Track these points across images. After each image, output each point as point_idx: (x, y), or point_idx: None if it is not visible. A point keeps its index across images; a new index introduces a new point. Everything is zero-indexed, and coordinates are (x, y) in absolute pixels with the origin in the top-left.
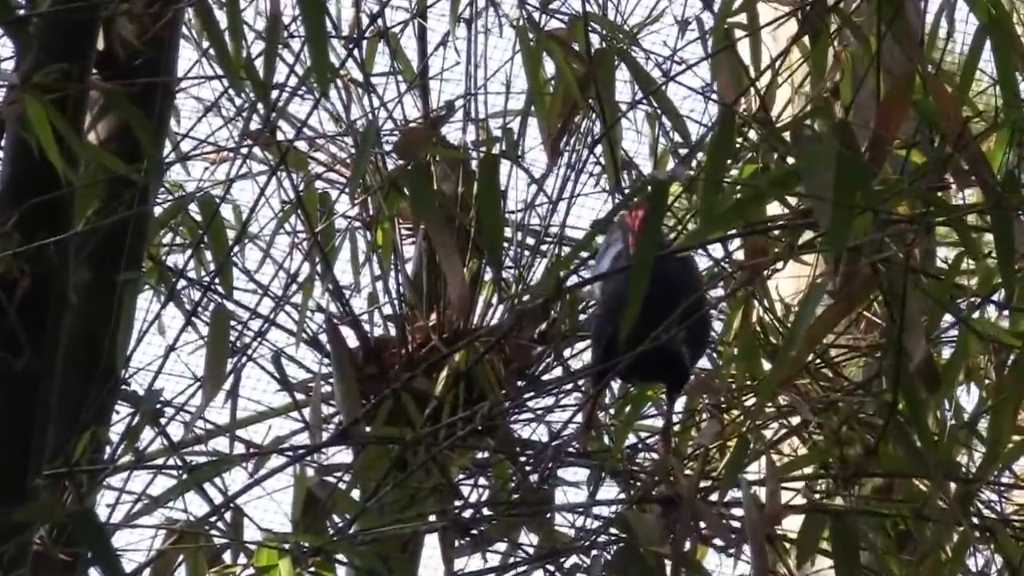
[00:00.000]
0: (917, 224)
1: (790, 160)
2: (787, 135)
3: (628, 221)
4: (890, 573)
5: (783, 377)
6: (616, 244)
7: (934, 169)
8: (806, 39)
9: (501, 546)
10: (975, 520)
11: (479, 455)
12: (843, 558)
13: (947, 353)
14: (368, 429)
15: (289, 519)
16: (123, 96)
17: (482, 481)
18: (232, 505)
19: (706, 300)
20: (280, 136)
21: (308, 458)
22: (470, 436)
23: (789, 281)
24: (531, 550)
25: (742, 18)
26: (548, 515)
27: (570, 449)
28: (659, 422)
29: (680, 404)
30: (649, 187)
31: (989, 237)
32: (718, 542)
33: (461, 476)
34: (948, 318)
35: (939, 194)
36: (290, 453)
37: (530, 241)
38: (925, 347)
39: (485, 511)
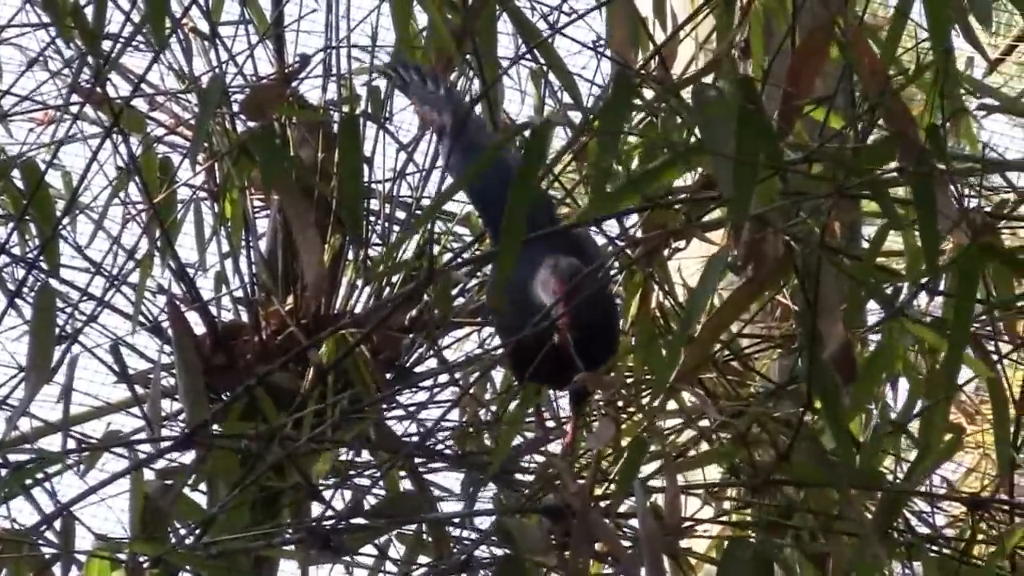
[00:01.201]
0: (831, 191)
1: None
2: (688, 95)
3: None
4: None
5: (685, 369)
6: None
7: (855, 131)
8: None
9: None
10: (901, 534)
11: (343, 456)
12: None
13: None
14: (217, 429)
15: (125, 527)
16: None
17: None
18: (63, 511)
19: (603, 279)
20: (114, 93)
21: (148, 459)
22: (335, 432)
23: (693, 263)
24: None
25: None
26: (420, 524)
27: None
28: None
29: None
30: (526, 132)
31: None
32: (614, 559)
33: (322, 480)
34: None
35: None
36: (127, 452)
37: (400, 215)
38: (842, 333)
39: (349, 519)
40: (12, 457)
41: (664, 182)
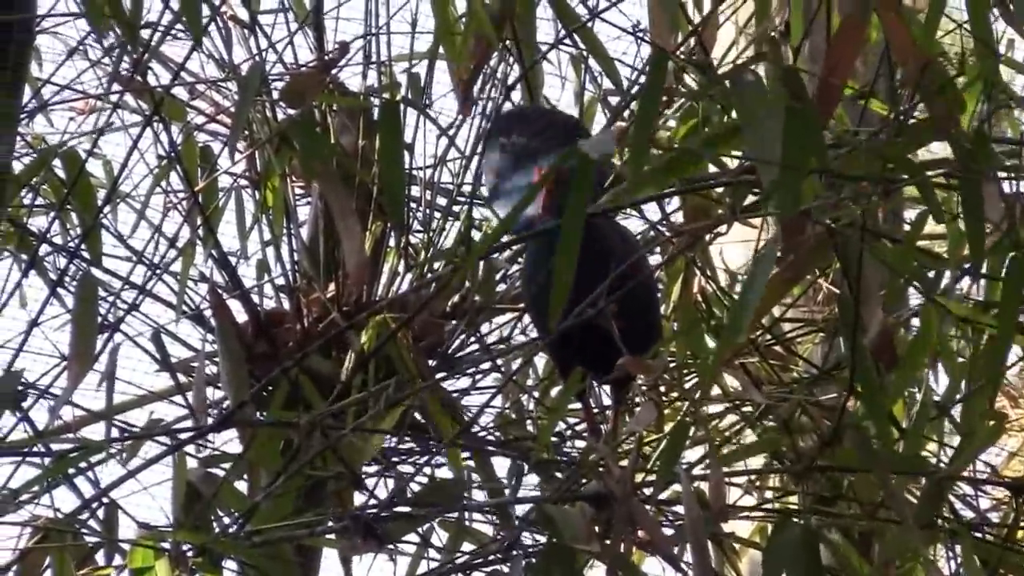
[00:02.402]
0: (875, 184)
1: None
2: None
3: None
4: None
5: (725, 354)
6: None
7: (897, 121)
8: None
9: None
10: (947, 519)
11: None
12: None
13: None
14: (260, 416)
15: (168, 515)
16: None
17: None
18: (105, 499)
19: (644, 267)
20: (154, 82)
21: (191, 446)
22: (378, 421)
23: (735, 247)
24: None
25: None
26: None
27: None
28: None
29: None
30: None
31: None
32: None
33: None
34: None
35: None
36: (169, 440)
37: (441, 201)
38: (883, 319)
39: (391, 508)
40: (55, 446)
41: (703, 166)
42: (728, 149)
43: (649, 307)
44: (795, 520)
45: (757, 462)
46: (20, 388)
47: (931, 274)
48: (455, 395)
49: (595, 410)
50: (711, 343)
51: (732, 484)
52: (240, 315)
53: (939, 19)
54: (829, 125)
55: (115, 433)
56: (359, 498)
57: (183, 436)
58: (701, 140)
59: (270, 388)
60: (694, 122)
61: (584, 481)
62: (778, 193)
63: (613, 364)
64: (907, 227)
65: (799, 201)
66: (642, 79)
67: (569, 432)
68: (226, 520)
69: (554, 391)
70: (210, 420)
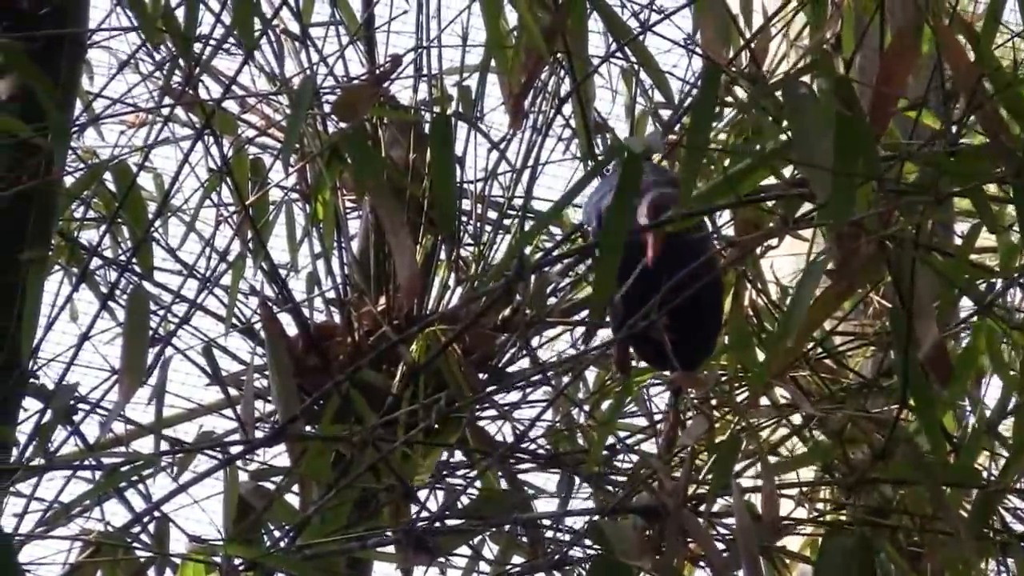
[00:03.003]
0: (927, 194)
1: (784, 124)
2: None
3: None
4: None
5: (779, 368)
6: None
7: (948, 130)
8: None
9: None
10: (998, 531)
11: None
12: None
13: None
14: (310, 431)
15: (219, 529)
16: (23, 50)
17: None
18: (156, 513)
19: (707, 279)
20: (206, 95)
21: (241, 460)
22: (430, 435)
23: (785, 260)
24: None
25: None
26: (515, 526)
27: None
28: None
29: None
30: (622, 155)
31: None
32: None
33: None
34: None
35: (954, 160)
36: (220, 454)
37: (491, 215)
38: (936, 333)
39: (443, 520)
40: (106, 460)
41: (756, 181)
42: (782, 162)
43: (706, 313)
44: (848, 531)
45: (808, 475)
46: (71, 402)
47: (983, 286)
48: (505, 409)
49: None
50: (762, 356)
51: (784, 496)
52: (290, 328)
53: (995, 31)
54: (881, 138)
55: (165, 447)
56: (411, 511)
57: (234, 451)
58: (757, 156)
59: (321, 401)
60: (745, 136)
61: (636, 494)
62: (830, 202)
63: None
64: (958, 240)
65: (849, 210)
66: (693, 92)
67: (621, 446)
68: (277, 534)
69: (605, 404)
70: (260, 434)
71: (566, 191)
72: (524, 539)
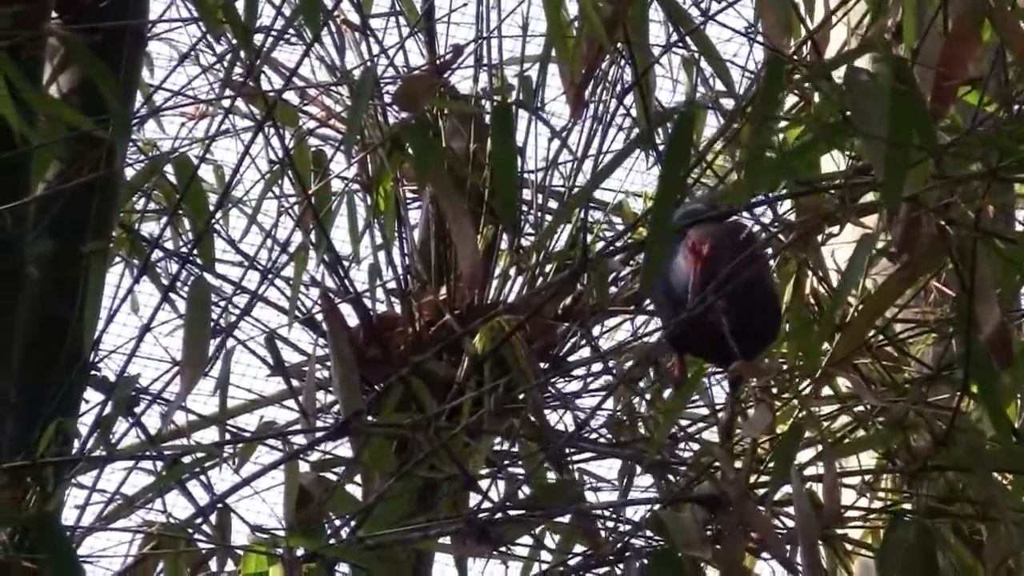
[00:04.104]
0: (986, 176)
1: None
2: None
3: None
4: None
5: (839, 355)
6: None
7: (1008, 112)
8: None
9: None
10: None
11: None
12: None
13: None
14: (372, 422)
15: (280, 520)
16: (84, 44)
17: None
18: (218, 505)
19: (759, 266)
20: (267, 87)
21: (302, 449)
22: (490, 422)
23: (848, 249)
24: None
25: None
26: (575, 516)
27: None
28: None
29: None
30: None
31: None
32: (767, 552)
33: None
34: None
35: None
36: (283, 447)
37: (552, 204)
38: (998, 316)
39: (504, 510)
40: (167, 452)
41: (815, 159)
42: (840, 140)
43: (765, 306)
44: (910, 520)
45: (869, 463)
46: (133, 394)
47: None
48: (567, 397)
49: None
50: (824, 345)
51: (845, 485)
52: (352, 319)
53: None
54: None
55: (227, 438)
56: (473, 500)
57: (298, 444)
58: (812, 124)
59: (383, 392)
60: (806, 116)
61: (697, 483)
62: (885, 179)
63: (730, 355)
64: (1020, 226)
65: (902, 185)
66: (755, 82)
67: (682, 434)
68: (338, 524)
69: (667, 392)
70: (321, 424)
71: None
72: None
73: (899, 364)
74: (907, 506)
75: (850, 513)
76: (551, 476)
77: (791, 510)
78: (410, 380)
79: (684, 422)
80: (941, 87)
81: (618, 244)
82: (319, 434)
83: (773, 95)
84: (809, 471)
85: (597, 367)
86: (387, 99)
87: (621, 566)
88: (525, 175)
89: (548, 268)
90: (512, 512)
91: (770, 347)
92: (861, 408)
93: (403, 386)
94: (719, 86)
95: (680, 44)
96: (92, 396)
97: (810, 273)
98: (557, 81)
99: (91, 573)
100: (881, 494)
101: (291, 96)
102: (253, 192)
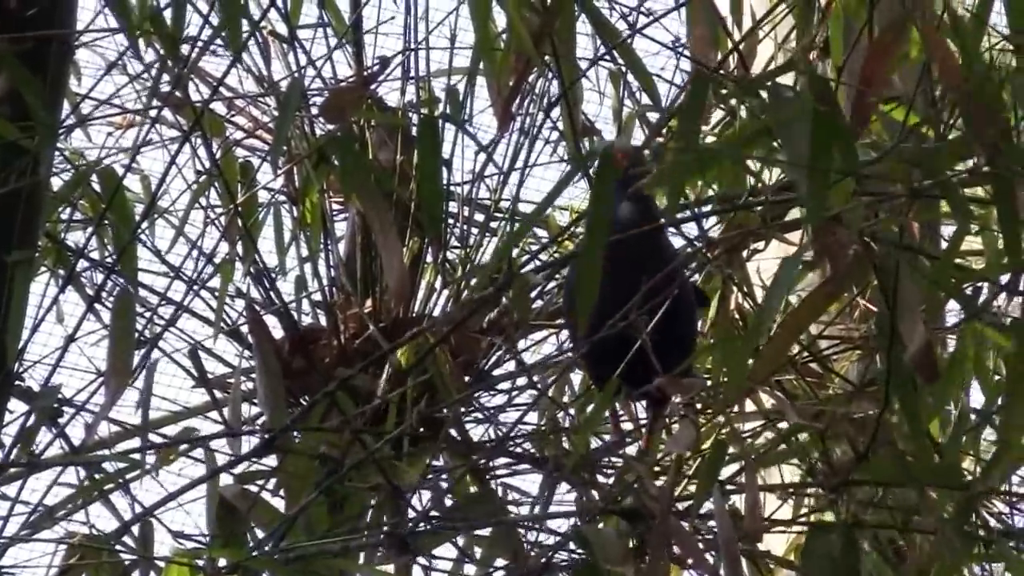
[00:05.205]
0: (909, 194)
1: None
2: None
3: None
4: None
5: (763, 371)
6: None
7: (935, 131)
8: None
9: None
10: (979, 535)
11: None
12: None
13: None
14: (297, 436)
15: (202, 531)
16: (10, 52)
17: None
18: (141, 517)
19: (681, 278)
20: (194, 97)
21: (229, 464)
22: (419, 440)
23: (772, 265)
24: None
25: None
26: (497, 528)
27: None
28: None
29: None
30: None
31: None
32: (691, 566)
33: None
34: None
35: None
36: (206, 459)
37: (478, 217)
38: (923, 333)
39: (427, 522)
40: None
41: (738, 174)
42: (759, 149)
43: (680, 320)
44: (833, 529)
45: (793, 478)
46: (57, 404)
47: (969, 290)
48: (491, 411)
49: (625, 422)
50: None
51: (766, 490)
52: (277, 331)
53: (982, 34)
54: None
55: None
56: (396, 512)
57: (220, 453)
58: (733, 137)
59: (309, 407)
60: (731, 131)
61: (620, 497)
62: (807, 197)
63: (647, 377)
64: (944, 244)
65: (824, 202)
66: (682, 95)
67: (604, 448)
68: (261, 536)
69: (589, 407)
70: (245, 438)
71: (551, 193)
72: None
73: (823, 381)
74: (829, 516)
75: (772, 523)
76: (473, 489)
77: (714, 524)
78: (335, 393)
79: (606, 437)
80: (861, 104)
81: (542, 257)
82: (245, 450)
83: (697, 111)
84: (733, 482)
85: (522, 381)
86: (314, 110)
87: None
88: (451, 188)
89: (473, 281)
90: (434, 523)
91: (690, 358)
92: (785, 424)
93: (329, 399)
94: (646, 100)
95: (607, 57)
96: (16, 406)
97: (735, 289)
98: (485, 93)
99: None
100: (804, 509)
101: (218, 106)
102: (179, 202)
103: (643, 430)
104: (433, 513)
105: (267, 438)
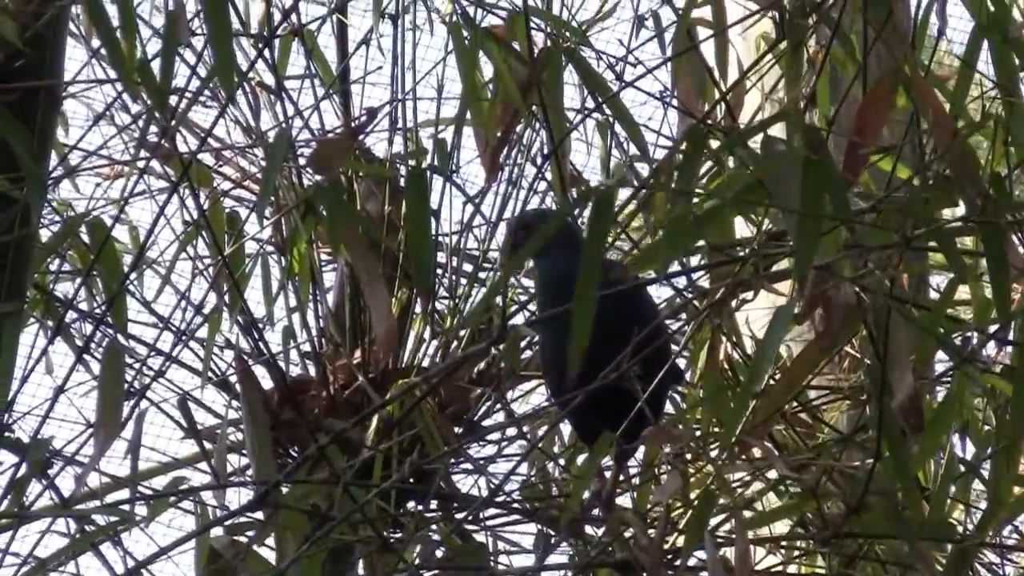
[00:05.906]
0: (899, 245)
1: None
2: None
3: None
4: None
5: (755, 424)
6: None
7: (922, 181)
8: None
9: None
10: None
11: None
12: None
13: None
14: (285, 489)
15: None
16: None
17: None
18: (135, 571)
19: (663, 330)
20: (182, 148)
21: (215, 508)
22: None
23: (762, 315)
24: None
25: (706, 13)
26: None
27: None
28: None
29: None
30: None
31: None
32: None
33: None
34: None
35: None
36: (195, 509)
37: (467, 268)
38: (911, 383)
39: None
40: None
41: (728, 222)
42: (753, 202)
43: (657, 372)
44: None
45: (783, 528)
46: (47, 456)
47: (959, 340)
48: (481, 462)
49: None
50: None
51: (757, 543)
52: (266, 382)
53: (969, 84)
54: (854, 188)
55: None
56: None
57: (212, 507)
58: (726, 190)
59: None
60: (720, 180)
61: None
62: (798, 245)
63: (631, 429)
64: (934, 294)
65: (813, 252)
66: (668, 144)
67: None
68: None
69: (580, 458)
70: (234, 490)
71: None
72: None
73: (813, 430)
74: (820, 568)
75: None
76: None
77: (705, 575)
78: (324, 444)
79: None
80: (853, 155)
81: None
82: (236, 506)
83: (693, 168)
84: (723, 528)
85: (511, 432)
86: (302, 161)
87: None
88: (440, 238)
89: (463, 332)
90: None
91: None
92: (774, 474)
93: (318, 451)
94: (633, 150)
95: (595, 108)
96: (6, 458)
97: (724, 339)
98: (473, 143)
99: None
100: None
101: (206, 157)
102: (167, 253)
103: (606, 475)
104: (423, 566)
105: (261, 492)
